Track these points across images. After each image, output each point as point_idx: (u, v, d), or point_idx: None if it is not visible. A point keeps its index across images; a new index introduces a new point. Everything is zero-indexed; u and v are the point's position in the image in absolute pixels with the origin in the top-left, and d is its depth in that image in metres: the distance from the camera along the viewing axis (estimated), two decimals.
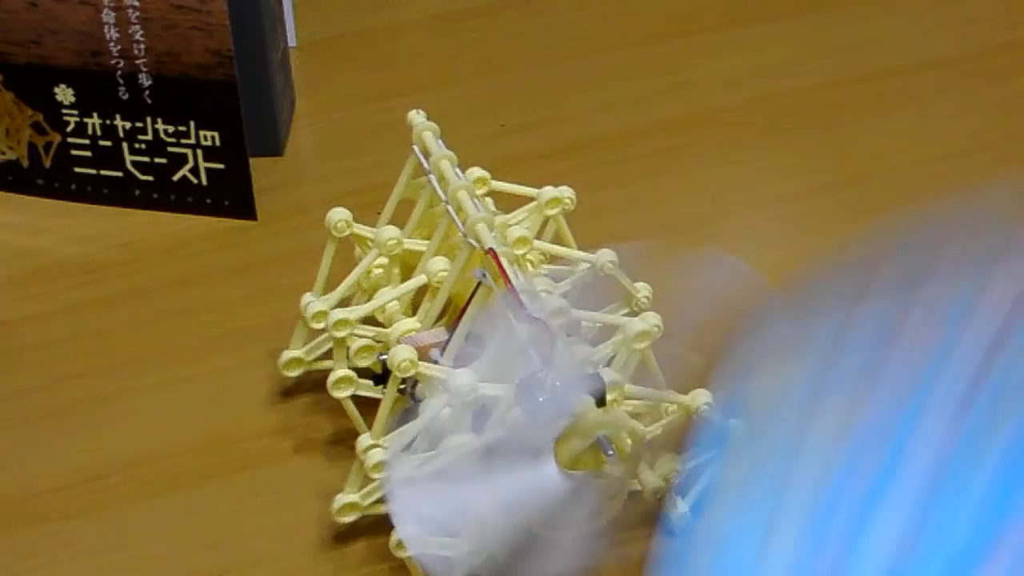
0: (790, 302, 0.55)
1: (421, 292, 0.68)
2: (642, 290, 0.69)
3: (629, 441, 0.60)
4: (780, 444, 0.50)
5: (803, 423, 0.50)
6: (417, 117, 0.71)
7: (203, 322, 0.78)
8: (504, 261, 0.62)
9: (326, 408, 0.72)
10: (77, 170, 0.85)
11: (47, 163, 0.85)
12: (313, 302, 0.69)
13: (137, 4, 0.80)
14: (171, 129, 0.83)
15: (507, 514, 0.59)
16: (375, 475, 0.64)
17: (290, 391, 0.74)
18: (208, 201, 0.84)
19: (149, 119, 0.83)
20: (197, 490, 0.71)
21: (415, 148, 0.70)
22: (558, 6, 1.02)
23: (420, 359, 0.62)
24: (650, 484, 0.65)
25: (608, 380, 0.61)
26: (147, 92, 0.82)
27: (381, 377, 0.67)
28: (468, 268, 0.65)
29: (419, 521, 0.60)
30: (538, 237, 0.70)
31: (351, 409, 0.67)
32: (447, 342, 0.64)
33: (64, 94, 0.83)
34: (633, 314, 0.67)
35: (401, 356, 0.62)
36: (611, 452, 0.59)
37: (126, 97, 0.82)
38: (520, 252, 0.67)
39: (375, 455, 0.64)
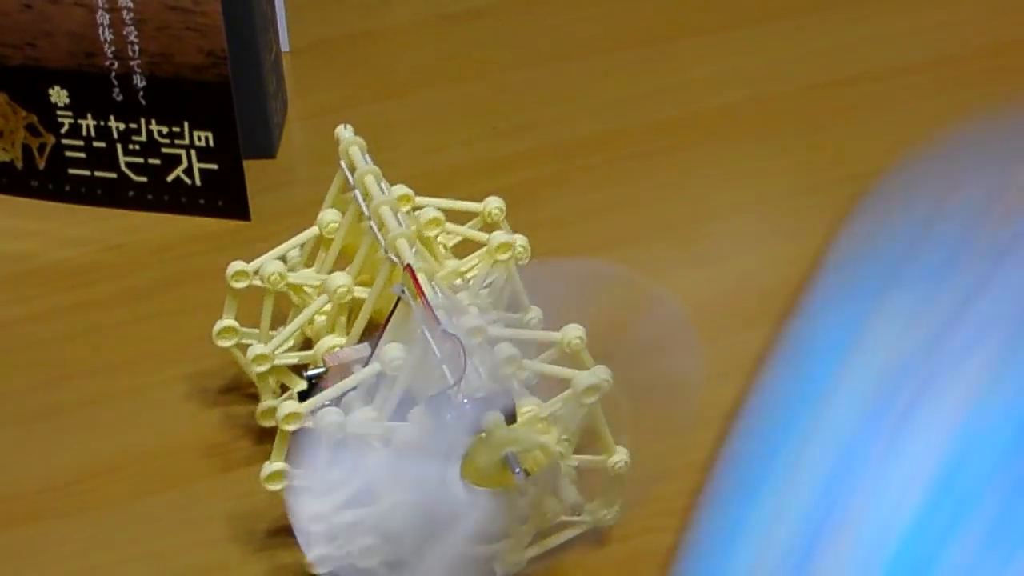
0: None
1: (355, 310, 0.68)
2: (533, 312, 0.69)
3: (544, 458, 0.60)
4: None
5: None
6: (344, 132, 0.70)
7: (197, 323, 0.78)
8: (422, 277, 0.62)
9: None
10: (71, 171, 0.85)
11: (41, 165, 0.86)
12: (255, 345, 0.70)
13: (131, 5, 0.80)
14: (165, 130, 0.83)
15: (408, 512, 0.59)
16: (286, 426, 0.62)
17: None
18: (202, 202, 0.84)
19: (143, 120, 0.83)
20: (190, 489, 0.71)
21: (342, 163, 0.70)
22: (548, 9, 1.02)
23: (344, 375, 0.62)
24: (569, 500, 0.64)
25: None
26: (141, 93, 0.82)
27: (307, 394, 0.66)
28: (390, 283, 0.64)
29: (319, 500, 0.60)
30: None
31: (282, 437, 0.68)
32: (369, 357, 0.64)
33: (58, 95, 0.83)
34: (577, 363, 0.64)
35: (270, 269, 0.66)
36: (519, 470, 0.58)
37: (120, 98, 0.83)
38: (431, 233, 0.66)
39: (287, 406, 0.63)
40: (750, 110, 0.93)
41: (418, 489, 0.59)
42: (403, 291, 0.62)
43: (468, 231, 0.70)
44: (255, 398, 0.73)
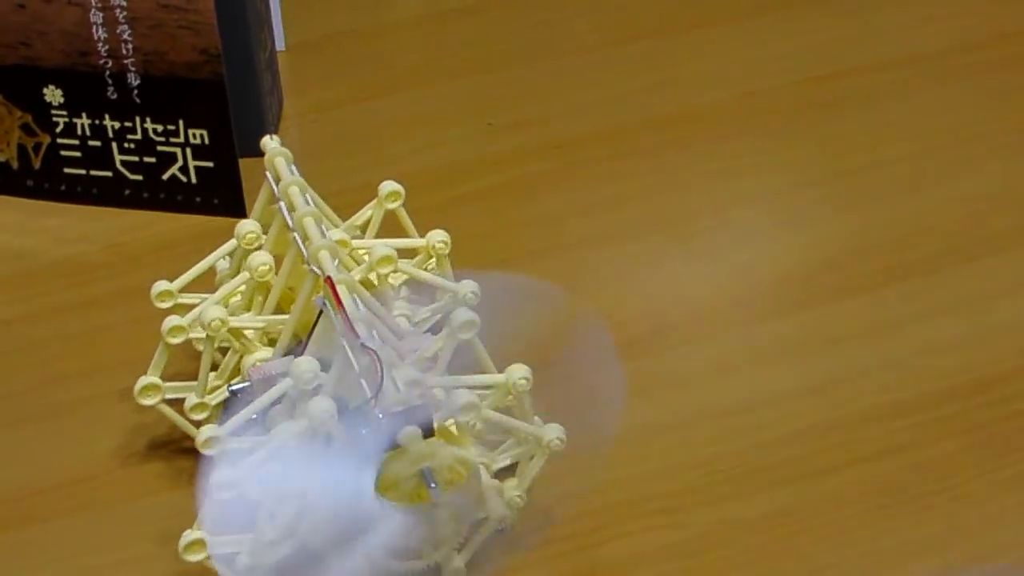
0: None
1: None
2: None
3: (462, 471, 0.59)
4: None
5: None
6: (270, 143, 0.70)
7: None
8: (342, 289, 0.61)
9: None
10: (67, 171, 0.85)
11: (37, 164, 0.86)
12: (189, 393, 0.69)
13: (125, 4, 0.80)
14: (160, 128, 0.83)
15: (322, 517, 0.59)
16: (205, 451, 0.62)
17: None
18: (198, 199, 0.84)
19: (138, 118, 0.83)
20: (185, 491, 0.70)
21: (268, 175, 0.69)
22: (543, 5, 1.03)
23: (269, 388, 0.62)
24: (496, 513, 0.63)
25: (463, 402, 0.60)
26: (136, 91, 0.82)
27: (230, 405, 0.66)
28: (313, 295, 0.64)
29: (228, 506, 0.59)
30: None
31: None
32: None
33: (53, 95, 0.83)
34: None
35: (211, 315, 0.64)
36: (434, 484, 0.58)
37: (115, 97, 0.83)
38: (384, 271, 0.66)
39: (206, 431, 0.62)
40: (746, 105, 0.93)
41: (332, 498, 0.58)
42: (324, 304, 0.61)
43: (416, 271, 0.70)
44: None
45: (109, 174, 0.85)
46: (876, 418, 0.72)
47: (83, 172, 0.85)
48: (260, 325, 0.68)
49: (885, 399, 0.73)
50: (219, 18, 0.80)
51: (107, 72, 0.82)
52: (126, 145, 0.84)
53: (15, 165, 0.86)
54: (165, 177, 0.84)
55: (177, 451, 0.72)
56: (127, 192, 0.85)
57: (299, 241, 0.65)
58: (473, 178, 0.88)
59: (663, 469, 0.70)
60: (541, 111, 0.93)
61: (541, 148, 0.90)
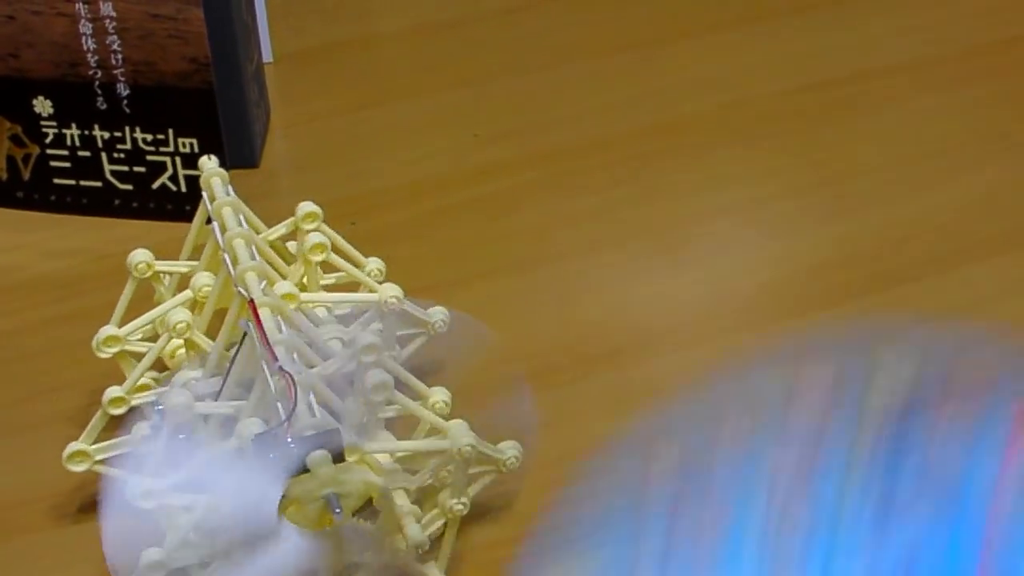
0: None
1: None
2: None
3: (371, 497, 0.58)
4: None
5: None
6: (208, 163, 0.70)
7: None
8: (264, 312, 0.61)
9: None
10: (56, 181, 0.86)
11: (26, 175, 0.86)
12: (113, 388, 0.68)
13: (114, 14, 0.80)
14: (150, 137, 0.83)
15: (226, 519, 0.58)
16: (112, 410, 0.63)
17: None
18: (188, 208, 0.84)
19: (127, 128, 0.83)
20: None
21: (204, 194, 0.69)
22: (529, 18, 1.03)
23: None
24: (415, 539, 0.60)
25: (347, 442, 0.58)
26: (125, 101, 0.83)
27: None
28: (240, 316, 0.64)
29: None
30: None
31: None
32: (219, 392, 0.63)
33: (42, 106, 0.84)
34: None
35: (138, 259, 0.67)
36: (339, 510, 0.57)
37: (104, 107, 0.83)
38: (291, 306, 0.65)
39: (112, 391, 0.63)
40: (732, 114, 0.94)
41: (237, 505, 0.57)
42: (249, 326, 0.61)
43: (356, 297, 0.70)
44: None
45: (99, 184, 0.85)
46: None
47: (73, 183, 0.85)
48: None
49: None
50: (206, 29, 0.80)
51: (96, 82, 0.82)
52: (116, 155, 0.84)
53: (4, 177, 0.86)
54: (155, 187, 0.85)
55: None
56: (117, 202, 0.85)
57: (228, 262, 0.65)
58: (459, 189, 0.88)
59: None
60: (527, 122, 0.93)
61: (527, 159, 0.90)
